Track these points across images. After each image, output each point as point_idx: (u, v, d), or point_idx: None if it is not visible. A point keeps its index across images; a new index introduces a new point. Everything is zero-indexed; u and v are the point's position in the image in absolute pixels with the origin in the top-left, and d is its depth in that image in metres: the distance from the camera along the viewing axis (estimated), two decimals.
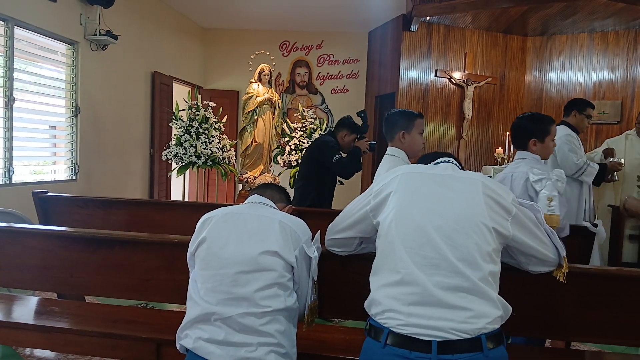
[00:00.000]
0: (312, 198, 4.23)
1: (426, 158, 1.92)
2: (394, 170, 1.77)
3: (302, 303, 1.91)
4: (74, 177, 5.84)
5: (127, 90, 6.85)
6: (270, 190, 2.11)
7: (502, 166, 7.34)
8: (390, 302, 1.56)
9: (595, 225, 3.14)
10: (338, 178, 4.55)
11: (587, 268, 2.16)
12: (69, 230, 2.59)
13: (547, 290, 2.04)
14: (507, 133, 7.92)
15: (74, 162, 5.84)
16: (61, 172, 5.79)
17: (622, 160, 4.31)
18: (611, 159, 4.32)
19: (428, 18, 7.53)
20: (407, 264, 1.56)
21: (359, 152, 4.22)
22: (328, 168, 4.18)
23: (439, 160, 1.83)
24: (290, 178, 7.09)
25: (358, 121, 4.40)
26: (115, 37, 6.00)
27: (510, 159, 7.69)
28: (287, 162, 7.08)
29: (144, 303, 3.96)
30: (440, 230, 1.56)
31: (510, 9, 6.92)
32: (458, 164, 1.84)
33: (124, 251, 2.42)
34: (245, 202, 2.04)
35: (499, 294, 1.59)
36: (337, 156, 4.09)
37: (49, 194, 3.79)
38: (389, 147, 2.95)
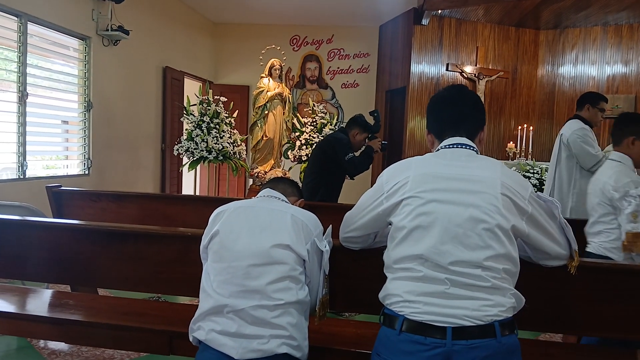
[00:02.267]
0: (321, 193, 4.24)
1: (443, 128, 1.79)
2: (406, 166, 1.71)
3: (313, 297, 1.92)
4: (87, 172, 5.89)
5: (138, 85, 6.89)
6: (282, 184, 2.12)
7: (514, 161, 7.30)
8: (406, 294, 1.57)
9: None
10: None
11: (600, 262, 2.15)
12: (82, 223, 2.61)
13: (559, 284, 2.02)
14: (519, 127, 7.86)
15: (86, 156, 5.89)
16: (74, 166, 5.84)
17: None
18: None
19: (439, 11, 7.49)
20: (422, 267, 1.56)
21: (372, 151, 4.22)
22: (338, 165, 4.18)
23: (451, 144, 1.73)
24: (301, 173, 7.10)
25: (370, 120, 4.39)
26: (126, 32, 6.03)
27: (522, 154, 7.65)
28: (297, 156, 7.09)
29: (156, 296, 4.00)
30: (456, 238, 1.54)
31: (523, 2, 6.87)
32: (472, 148, 1.73)
33: (137, 244, 2.43)
34: (257, 195, 2.05)
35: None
36: (350, 154, 4.10)
37: (62, 188, 3.82)
38: (612, 152, 2.88)
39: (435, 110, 1.83)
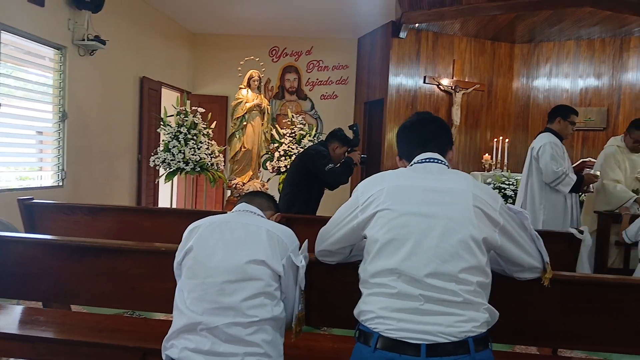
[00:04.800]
0: (299, 205, 4.23)
1: (412, 148, 1.84)
2: (380, 179, 1.73)
3: (289, 312, 1.91)
4: (61, 183, 5.79)
5: (115, 95, 6.81)
6: (259, 198, 2.11)
7: (490, 172, 7.39)
8: (380, 310, 1.57)
9: (581, 232, 3.17)
10: None
11: (572, 275, 2.18)
12: (54, 238, 2.56)
13: (533, 297, 2.05)
14: (495, 139, 7.97)
15: (60, 167, 5.79)
16: (48, 178, 5.73)
17: (598, 173, 4.39)
18: (587, 171, 4.40)
19: (417, 25, 7.57)
20: (397, 282, 1.57)
21: (352, 162, 4.24)
22: (318, 177, 4.19)
23: (423, 158, 1.77)
24: (279, 184, 7.09)
25: (349, 134, 4.42)
26: (103, 42, 5.97)
27: (498, 166, 7.76)
28: (276, 168, 7.08)
29: (131, 311, 3.93)
30: (430, 250, 1.56)
31: (498, 16, 6.99)
32: (444, 162, 1.77)
33: (111, 259, 2.40)
34: (232, 210, 2.03)
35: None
36: (329, 165, 4.11)
37: (34, 200, 3.75)
38: None
39: (404, 134, 1.89)
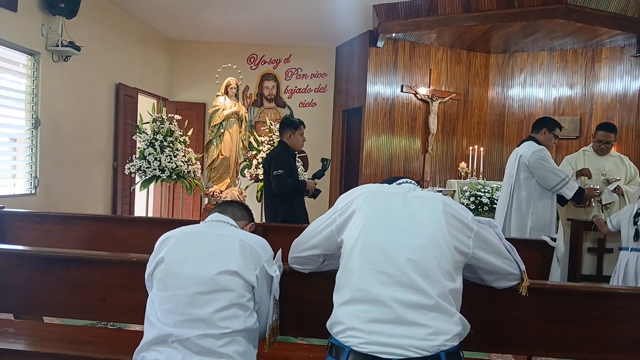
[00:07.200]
0: (283, 213, 4.16)
1: (388, 181, 1.94)
2: (359, 188, 1.80)
3: (263, 323, 1.89)
4: (33, 191, 5.67)
5: (90, 102, 6.71)
6: (232, 207, 2.09)
7: (466, 180, 7.46)
8: (351, 321, 1.56)
9: (554, 240, 3.21)
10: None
11: (545, 283, 2.21)
12: (23, 249, 2.51)
13: (507, 306, 2.06)
14: (471, 148, 8.06)
15: (33, 175, 5.68)
16: (20, 185, 5.61)
17: (598, 187, 4.38)
18: (590, 185, 4.39)
19: (394, 35, 7.64)
20: (369, 281, 1.57)
21: (305, 186, 4.27)
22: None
23: (401, 181, 1.86)
24: (257, 192, 7.06)
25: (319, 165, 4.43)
26: (78, 48, 5.88)
27: (474, 174, 7.84)
28: (254, 175, 7.05)
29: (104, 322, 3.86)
30: (402, 247, 1.58)
31: (473, 27, 7.08)
32: (417, 185, 1.87)
33: (80, 270, 2.35)
34: (205, 220, 2.01)
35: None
36: (279, 171, 4.06)
37: (4, 209, 3.67)
38: None
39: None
